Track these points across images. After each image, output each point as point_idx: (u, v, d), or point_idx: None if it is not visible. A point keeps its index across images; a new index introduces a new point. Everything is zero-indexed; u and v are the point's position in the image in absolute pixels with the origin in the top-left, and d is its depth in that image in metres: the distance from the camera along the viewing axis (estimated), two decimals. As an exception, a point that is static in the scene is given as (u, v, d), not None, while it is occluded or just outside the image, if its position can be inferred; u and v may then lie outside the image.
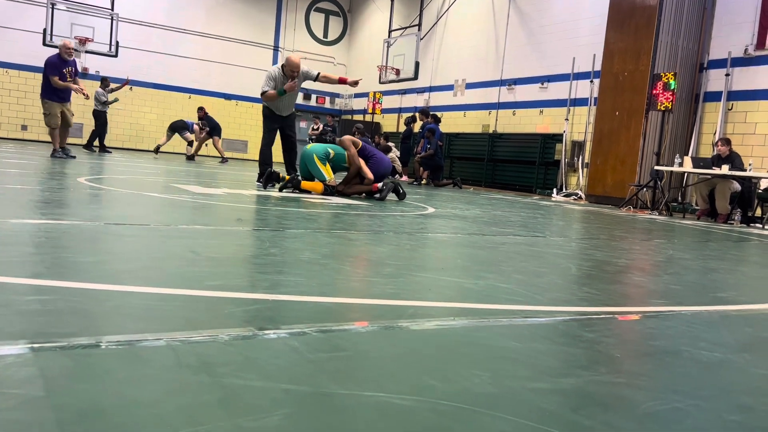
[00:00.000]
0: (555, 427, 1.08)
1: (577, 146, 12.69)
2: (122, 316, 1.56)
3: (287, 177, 6.80)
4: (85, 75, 17.96)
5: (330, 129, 16.33)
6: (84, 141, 16.01)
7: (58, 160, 9.24)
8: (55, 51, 10.03)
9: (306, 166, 6.91)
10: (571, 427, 1.08)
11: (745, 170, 8.28)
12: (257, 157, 7.98)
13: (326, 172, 6.81)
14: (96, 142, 14.81)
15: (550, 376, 1.36)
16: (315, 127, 17.79)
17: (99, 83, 15.13)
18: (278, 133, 7.86)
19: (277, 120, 7.83)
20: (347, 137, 7.30)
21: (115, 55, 17.31)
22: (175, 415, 0.99)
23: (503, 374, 1.34)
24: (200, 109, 15.75)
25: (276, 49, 21.08)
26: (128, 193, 5.15)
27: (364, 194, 6.95)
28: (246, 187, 7.09)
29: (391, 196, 7.26)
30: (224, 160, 15.51)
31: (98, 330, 1.40)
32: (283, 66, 7.60)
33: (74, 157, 10.16)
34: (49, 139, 10.58)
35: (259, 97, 7.66)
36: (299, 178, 6.78)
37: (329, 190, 6.72)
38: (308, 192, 6.72)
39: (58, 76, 9.57)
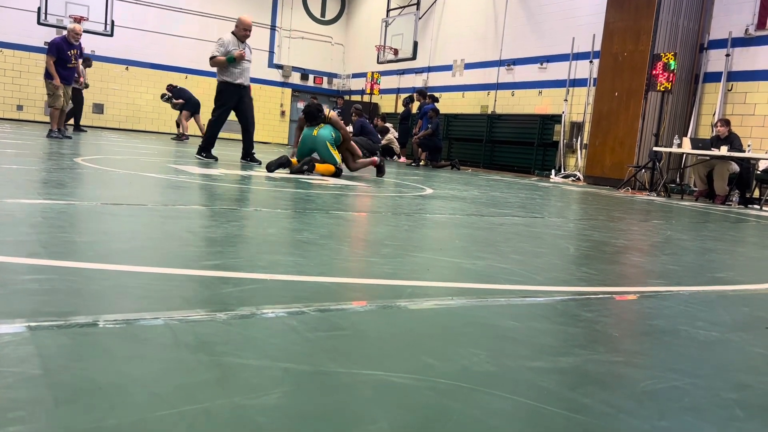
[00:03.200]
0: (553, 406, 1.08)
1: (576, 127, 12.65)
2: (120, 295, 1.55)
3: (293, 161, 6.77)
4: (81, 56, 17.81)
5: (340, 111, 16.23)
6: (69, 122, 15.84)
7: (55, 140, 9.20)
8: (55, 32, 9.98)
9: (308, 150, 6.87)
10: (569, 406, 1.09)
11: (744, 151, 8.26)
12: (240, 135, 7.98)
13: (336, 155, 6.92)
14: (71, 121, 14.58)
15: (548, 355, 1.36)
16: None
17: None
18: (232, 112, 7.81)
19: (234, 94, 7.62)
20: (334, 114, 7.26)
21: (111, 35, 17.12)
22: (174, 393, 0.99)
23: (501, 353, 1.34)
24: (168, 85, 15.19)
25: (273, 28, 20.87)
26: (125, 173, 5.13)
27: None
28: (244, 168, 7.06)
29: (370, 173, 7.26)
30: (183, 137, 14.74)
31: (96, 309, 1.40)
32: (233, 31, 7.47)
33: (70, 137, 10.16)
34: (45, 119, 10.55)
35: (210, 64, 7.54)
36: (315, 161, 6.77)
37: (340, 172, 6.90)
38: (321, 175, 6.75)
39: (56, 57, 9.50)
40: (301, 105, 21.03)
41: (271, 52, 20.90)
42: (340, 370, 1.15)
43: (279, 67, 20.99)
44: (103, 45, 17.62)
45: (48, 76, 9.59)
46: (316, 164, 6.79)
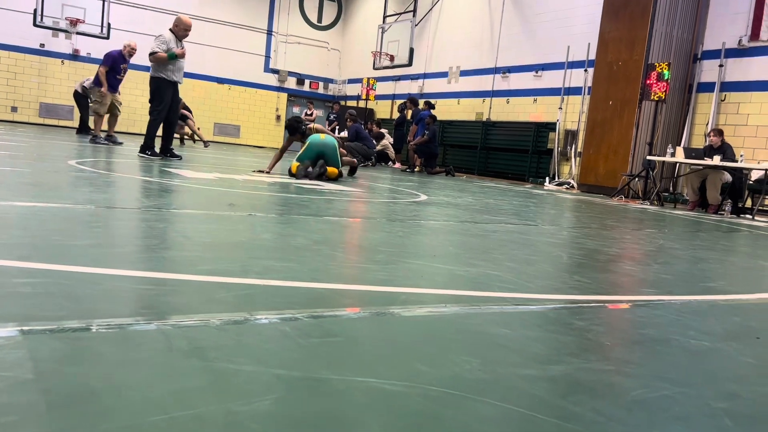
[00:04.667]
0: (544, 414, 1.09)
1: (570, 135, 12.70)
2: (113, 299, 1.55)
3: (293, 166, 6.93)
4: (76, 57, 17.79)
5: (335, 117, 16.23)
6: (75, 124, 15.81)
7: (99, 144, 9.85)
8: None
9: (315, 154, 7.07)
10: (560, 414, 1.09)
11: (737, 161, 8.31)
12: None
13: (339, 160, 7.35)
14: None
15: (539, 363, 1.37)
16: (309, 112, 17.63)
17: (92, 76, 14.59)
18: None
19: (169, 88, 7.90)
20: (319, 126, 7.92)
21: (107, 37, 17.08)
22: (166, 398, 0.99)
23: (493, 361, 1.35)
24: None
25: (270, 33, 20.90)
26: (119, 176, 5.12)
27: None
28: (238, 172, 7.06)
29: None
30: (204, 143, 14.69)
31: (89, 313, 1.40)
32: (172, 29, 7.82)
33: (121, 143, 10.63)
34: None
35: (151, 60, 7.75)
36: (325, 167, 7.05)
37: (341, 175, 7.33)
38: (328, 179, 6.97)
39: (109, 68, 10.24)
40: (296, 109, 21.04)
41: (267, 57, 20.91)
42: (333, 377, 1.16)
43: (275, 71, 21.01)
44: (100, 47, 17.58)
45: (98, 83, 10.39)
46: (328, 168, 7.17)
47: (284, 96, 21.32)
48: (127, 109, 18.55)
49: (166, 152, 8.23)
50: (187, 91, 16.39)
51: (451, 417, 1.03)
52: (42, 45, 17.44)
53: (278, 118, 21.24)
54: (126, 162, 6.88)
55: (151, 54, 7.71)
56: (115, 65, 10.32)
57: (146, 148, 8.10)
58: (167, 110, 7.97)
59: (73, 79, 16.91)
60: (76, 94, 14.18)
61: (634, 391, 1.25)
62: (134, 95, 18.51)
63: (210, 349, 1.23)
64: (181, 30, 7.86)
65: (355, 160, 8.48)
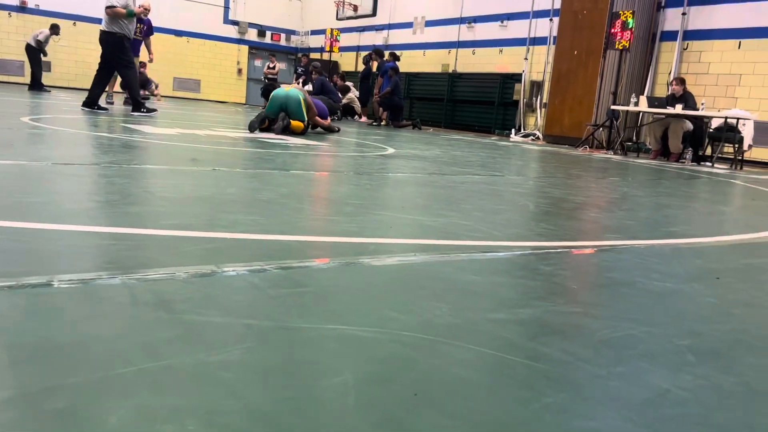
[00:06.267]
0: (514, 355, 1.10)
1: (536, 86, 12.70)
2: (75, 255, 1.51)
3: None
4: (23, 9, 16.94)
5: (303, 70, 15.84)
6: (27, 80, 15.17)
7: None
8: None
9: (278, 107, 6.91)
10: (530, 355, 1.11)
11: (698, 110, 8.44)
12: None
13: (304, 113, 7.12)
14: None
15: (508, 307, 1.39)
16: (271, 65, 17.20)
17: (49, 27, 13.88)
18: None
19: (128, 42, 7.90)
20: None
21: (56, -13, 16.31)
22: (135, 351, 0.97)
23: (463, 306, 1.36)
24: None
25: (228, -18, 20.18)
26: (76, 132, 4.95)
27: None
28: (200, 128, 6.90)
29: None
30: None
31: (49, 269, 1.36)
32: None
33: (106, 109, 10.18)
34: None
35: (108, 13, 7.63)
36: (288, 120, 6.90)
37: (306, 130, 7.12)
38: (294, 133, 6.85)
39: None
40: (258, 63, 20.52)
41: (227, 8, 20.25)
42: (304, 325, 1.15)
43: (235, 23, 20.38)
44: (48, -1, 16.79)
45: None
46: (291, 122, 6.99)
47: (245, 49, 20.75)
48: (82, 65, 17.90)
49: (93, 105, 8.06)
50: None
51: (425, 360, 1.04)
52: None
53: (239, 71, 20.72)
54: (84, 118, 6.65)
55: (109, 7, 7.51)
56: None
57: (139, 105, 8.01)
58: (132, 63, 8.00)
59: (21, 33, 16.15)
60: (28, 48, 13.53)
61: (600, 332, 1.27)
62: (88, 49, 17.76)
63: (177, 301, 1.21)
64: None
65: (335, 126, 8.28)
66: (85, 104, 7.96)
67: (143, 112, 8.01)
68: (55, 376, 0.86)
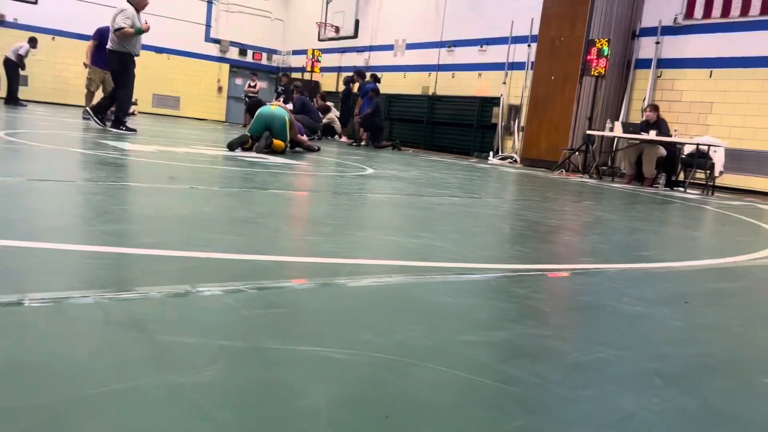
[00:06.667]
0: (485, 377, 1.12)
1: (514, 110, 12.88)
2: (47, 273, 1.50)
3: (250, 140, 6.79)
4: (2, 22, 16.79)
5: (283, 89, 15.86)
6: (2, 94, 14.99)
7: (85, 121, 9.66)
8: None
9: (263, 126, 6.95)
10: (501, 377, 1.12)
11: (671, 136, 8.63)
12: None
13: (287, 132, 7.20)
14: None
15: (481, 330, 1.40)
16: (252, 84, 17.21)
17: (27, 40, 13.74)
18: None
19: (133, 62, 8.11)
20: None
21: (35, 2, 16.22)
22: (106, 371, 0.97)
23: (437, 328, 1.37)
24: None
25: (210, 1, 20.25)
26: (54, 149, 4.90)
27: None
28: (179, 145, 6.87)
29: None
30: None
31: (20, 288, 1.34)
32: (132, 2, 7.89)
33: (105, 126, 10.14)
34: None
35: (118, 35, 7.79)
36: (271, 138, 6.93)
37: (286, 150, 7.18)
38: (274, 152, 6.88)
39: (98, 43, 10.18)
40: (239, 81, 20.53)
41: (208, 26, 20.29)
42: (277, 347, 1.15)
43: (216, 41, 20.41)
44: (28, 13, 16.67)
45: (94, 62, 10.37)
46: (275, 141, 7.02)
47: (226, 67, 20.77)
48: (59, 79, 17.76)
49: (98, 114, 8.20)
50: (124, 61, 15.67)
51: (396, 382, 1.05)
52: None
53: (220, 89, 20.71)
54: (60, 134, 6.59)
55: (118, 30, 7.69)
56: (104, 40, 9.62)
57: (120, 123, 8.07)
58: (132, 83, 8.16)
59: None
60: (6, 62, 13.39)
61: (570, 355, 1.29)
62: (66, 64, 17.66)
63: (150, 321, 1.20)
64: (140, 3, 7.97)
65: (315, 146, 8.39)
66: (92, 108, 8.26)
67: (122, 129, 7.97)
68: (20, 397, 0.85)
